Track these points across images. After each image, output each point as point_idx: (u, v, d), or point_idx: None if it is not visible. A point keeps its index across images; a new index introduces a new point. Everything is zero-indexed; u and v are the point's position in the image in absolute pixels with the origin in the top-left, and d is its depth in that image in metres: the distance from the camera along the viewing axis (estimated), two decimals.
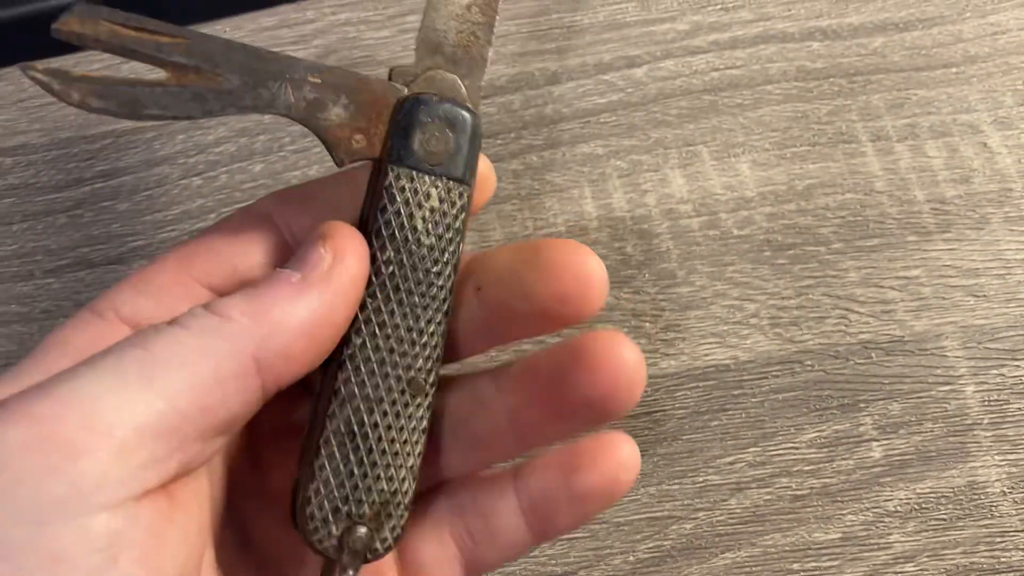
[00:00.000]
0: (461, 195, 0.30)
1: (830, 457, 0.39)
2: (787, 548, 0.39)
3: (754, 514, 0.39)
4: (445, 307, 0.30)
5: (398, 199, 0.29)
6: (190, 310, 0.27)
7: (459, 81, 0.31)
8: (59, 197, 0.43)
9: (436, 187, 0.30)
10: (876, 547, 0.38)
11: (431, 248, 0.30)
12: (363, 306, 0.29)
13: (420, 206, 0.29)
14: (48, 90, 0.27)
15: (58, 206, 0.43)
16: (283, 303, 0.27)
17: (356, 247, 0.28)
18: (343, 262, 0.28)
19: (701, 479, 0.39)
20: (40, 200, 0.44)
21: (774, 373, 0.40)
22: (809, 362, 0.40)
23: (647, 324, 0.41)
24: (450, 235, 0.30)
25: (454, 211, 0.30)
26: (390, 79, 0.31)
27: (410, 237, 0.29)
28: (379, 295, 0.29)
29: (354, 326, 0.29)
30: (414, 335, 0.29)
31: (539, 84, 0.45)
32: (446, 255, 0.30)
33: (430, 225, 0.30)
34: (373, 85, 0.30)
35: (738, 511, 0.39)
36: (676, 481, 0.39)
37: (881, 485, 0.39)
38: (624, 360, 0.29)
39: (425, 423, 0.30)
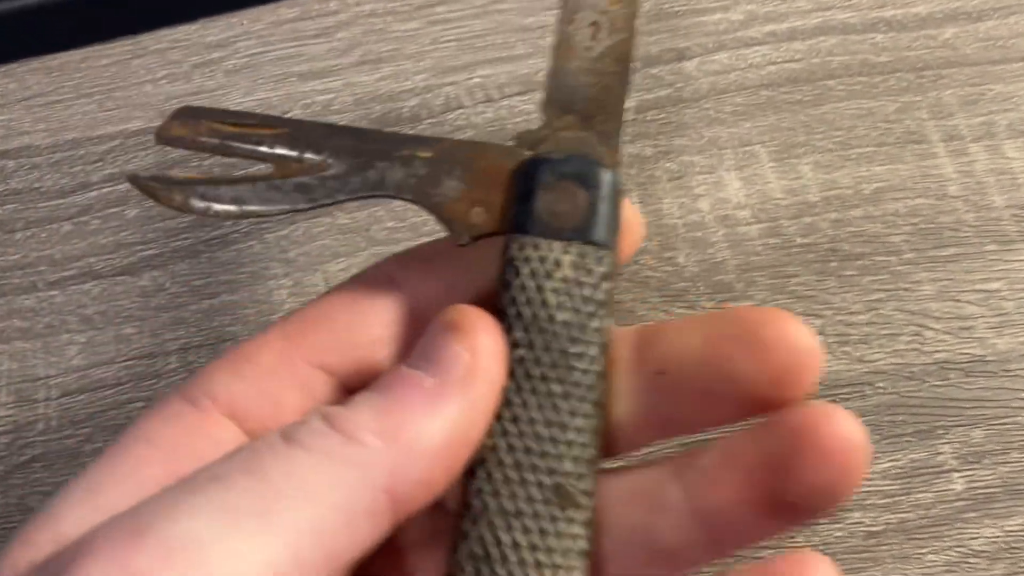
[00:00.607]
0: (600, 260, 0.25)
1: (906, 489, 0.36)
2: None
3: (824, 553, 0.35)
4: (593, 395, 0.25)
5: (523, 271, 0.25)
6: (308, 421, 0.23)
7: (593, 138, 0.27)
8: (64, 203, 0.40)
9: (567, 253, 0.25)
10: None
11: (567, 324, 0.25)
12: None
13: (549, 276, 0.25)
14: (153, 197, 0.26)
15: (63, 212, 0.40)
16: (419, 417, 0.23)
17: (495, 342, 0.25)
18: (483, 361, 0.24)
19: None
20: (43, 206, 0.40)
21: (842, 396, 0.37)
22: (881, 384, 0.37)
23: None
24: (590, 308, 0.25)
25: (592, 280, 0.25)
26: (517, 142, 0.27)
27: (540, 313, 0.25)
28: (508, 382, 0.25)
29: None
30: (555, 431, 0.25)
31: None
32: (587, 332, 0.25)
33: (564, 298, 0.25)
34: (491, 152, 0.27)
35: (807, 550, 0.35)
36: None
37: (964, 521, 0.35)
38: (851, 437, 0.25)
39: (583, 542, 0.25)
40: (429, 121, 0.41)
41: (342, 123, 0.39)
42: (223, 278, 0.39)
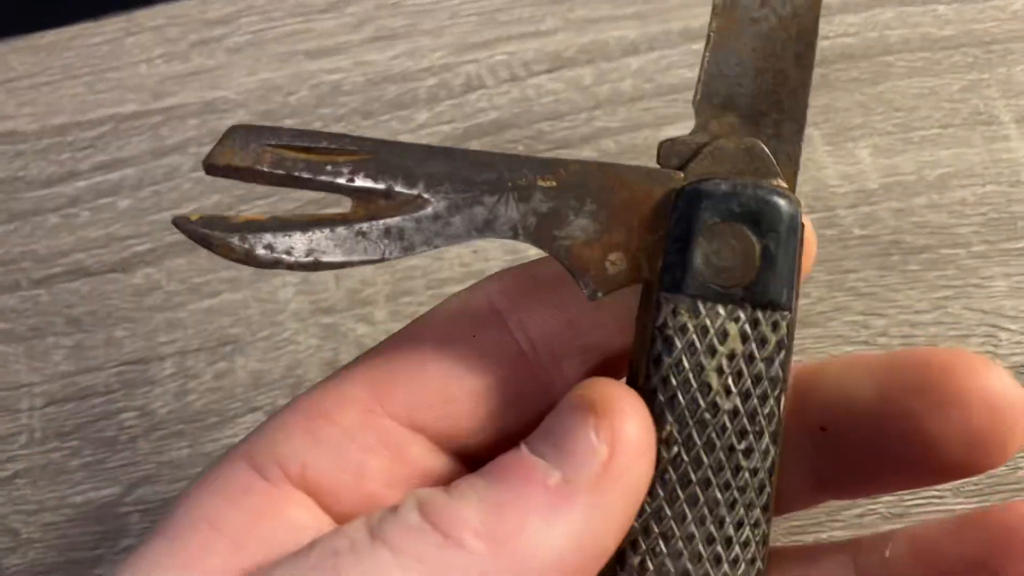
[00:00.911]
0: (776, 326, 0.20)
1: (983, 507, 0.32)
2: None
3: None
4: (764, 499, 0.21)
5: (677, 344, 0.20)
6: (401, 512, 0.19)
7: (764, 148, 0.22)
8: (50, 193, 0.37)
9: (736, 320, 0.20)
10: None
11: (735, 413, 0.20)
12: None
13: (713, 352, 0.20)
14: (206, 245, 0.21)
15: (49, 204, 0.37)
16: (537, 521, 0.19)
17: (642, 433, 0.20)
18: (624, 458, 0.19)
19: (825, 536, 0.32)
20: (29, 197, 0.37)
21: None
22: None
23: None
24: (763, 388, 0.20)
25: (767, 352, 0.20)
26: (659, 160, 0.22)
27: (701, 400, 0.20)
28: (659, 489, 0.20)
29: (627, 537, 0.21)
30: (718, 547, 0.20)
31: (615, 55, 0.38)
32: (760, 420, 0.20)
33: (730, 379, 0.20)
34: (631, 177, 0.21)
35: None
36: (795, 538, 0.32)
37: None
38: None
39: None
40: (448, 103, 0.37)
41: (350, 107, 0.36)
42: (223, 275, 0.35)
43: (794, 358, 0.33)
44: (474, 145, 0.36)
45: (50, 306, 0.36)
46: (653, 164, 0.22)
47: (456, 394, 0.22)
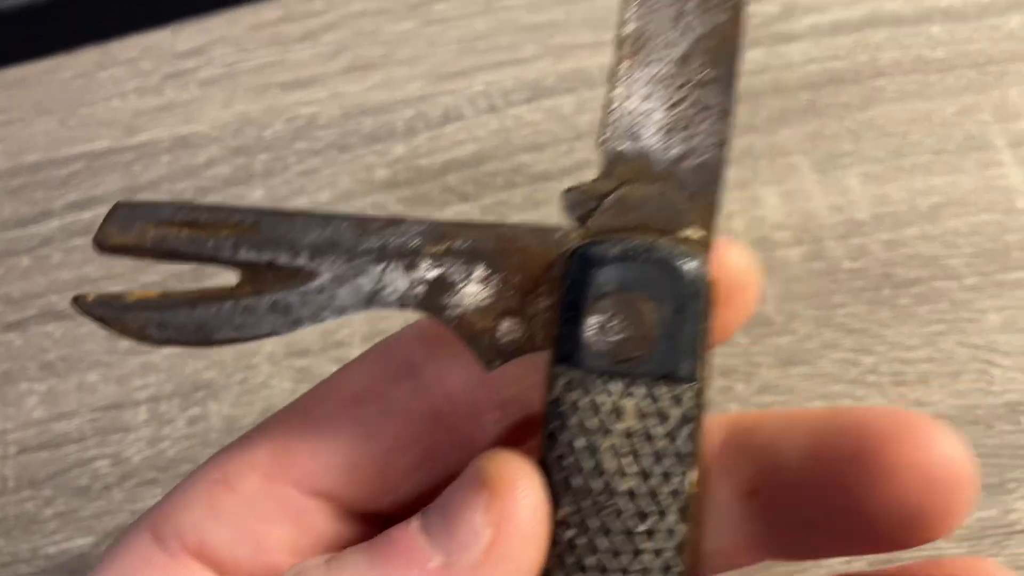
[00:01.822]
0: (679, 400, 0.19)
1: (974, 551, 0.31)
2: None
3: None
4: None
5: (570, 422, 0.19)
6: None
7: (676, 197, 0.20)
8: (23, 234, 0.36)
9: (632, 396, 0.19)
10: None
11: (632, 496, 0.19)
12: None
13: (607, 432, 0.19)
14: (103, 324, 0.21)
15: (22, 245, 0.36)
16: None
17: (532, 515, 0.19)
18: (510, 544, 0.18)
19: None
20: (0, 237, 0.36)
21: None
22: None
23: (739, 384, 0.33)
24: (665, 466, 0.19)
25: (668, 429, 0.19)
26: (563, 207, 0.20)
27: (594, 482, 0.19)
28: (557, 574, 0.19)
29: None
30: None
31: (597, 83, 0.37)
32: (662, 499, 0.19)
33: (625, 460, 0.19)
34: (523, 238, 0.20)
35: None
36: None
37: None
38: None
39: None
40: (426, 135, 0.36)
41: (326, 141, 0.35)
42: None
43: (780, 398, 0.32)
44: (452, 179, 0.36)
45: (23, 350, 0.35)
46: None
47: (361, 458, 0.21)
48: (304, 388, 0.33)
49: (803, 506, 0.20)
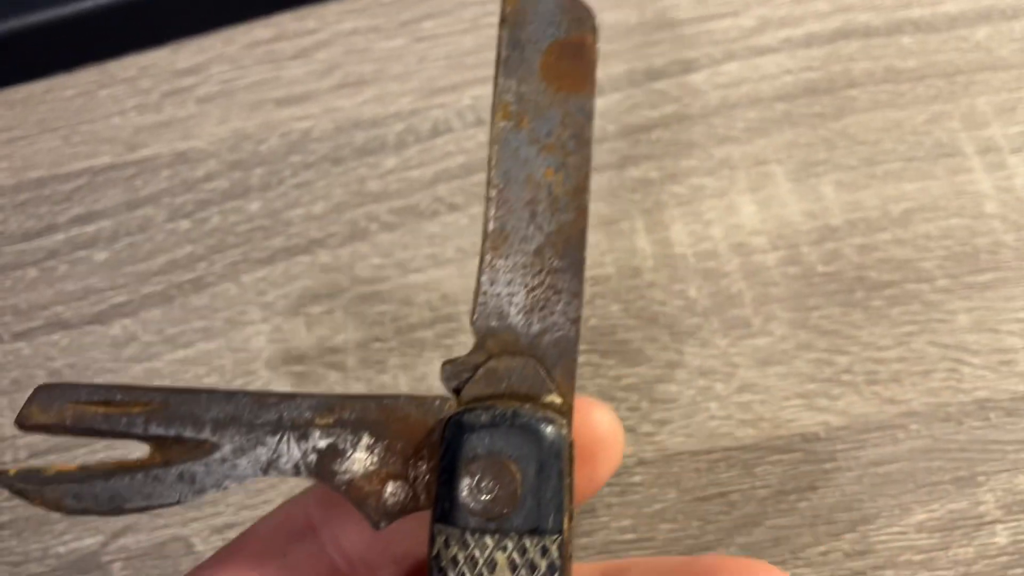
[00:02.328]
0: (546, 551, 0.21)
1: (945, 544, 0.32)
2: None
3: None
4: None
5: (450, 575, 0.21)
6: None
7: (536, 365, 0.22)
8: (29, 247, 0.38)
9: (504, 550, 0.21)
10: None
11: None
12: None
13: None
14: (24, 498, 0.22)
15: (28, 257, 0.37)
16: None
17: None
18: None
19: (789, 575, 0.32)
20: (7, 251, 0.38)
21: (873, 441, 0.33)
22: (914, 427, 0.33)
23: (718, 384, 0.34)
24: None
25: None
26: (442, 381, 0.23)
27: None
28: None
29: None
30: None
31: None
32: None
33: None
34: (404, 408, 0.22)
35: None
36: None
37: None
38: None
39: None
40: (416, 147, 0.38)
41: (319, 154, 0.36)
42: (197, 324, 0.36)
43: (758, 397, 0.34)
44: (442, 190, 0.37)
45: (31, 359, 0.36)
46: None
47: None
48: (301, 391, 0.35)
49: None
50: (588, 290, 0.35)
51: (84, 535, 0.34)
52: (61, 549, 0.34)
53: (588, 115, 0.24)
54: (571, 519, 0.21)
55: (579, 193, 0.23)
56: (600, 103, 0.38)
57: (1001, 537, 0.32)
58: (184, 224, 0.37)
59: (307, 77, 0.39)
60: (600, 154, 0.37)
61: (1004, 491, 0.33)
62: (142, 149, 0.38)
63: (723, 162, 0.37)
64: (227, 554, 0.23)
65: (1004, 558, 0.32)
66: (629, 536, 0.33)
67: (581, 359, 0.34)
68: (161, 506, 0.22)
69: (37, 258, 0.37)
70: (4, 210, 0.38)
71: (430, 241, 0.36)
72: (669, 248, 0.36)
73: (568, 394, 0.22)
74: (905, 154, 0.36)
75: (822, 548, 0.32)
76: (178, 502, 0.22)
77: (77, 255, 0.37)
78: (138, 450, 0.22)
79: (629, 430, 0.34)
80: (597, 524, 0.33)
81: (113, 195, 0.38)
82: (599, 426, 0.22)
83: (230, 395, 0.22)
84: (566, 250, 0.23)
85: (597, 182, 0.37)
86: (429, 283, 0.36)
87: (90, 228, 0.38)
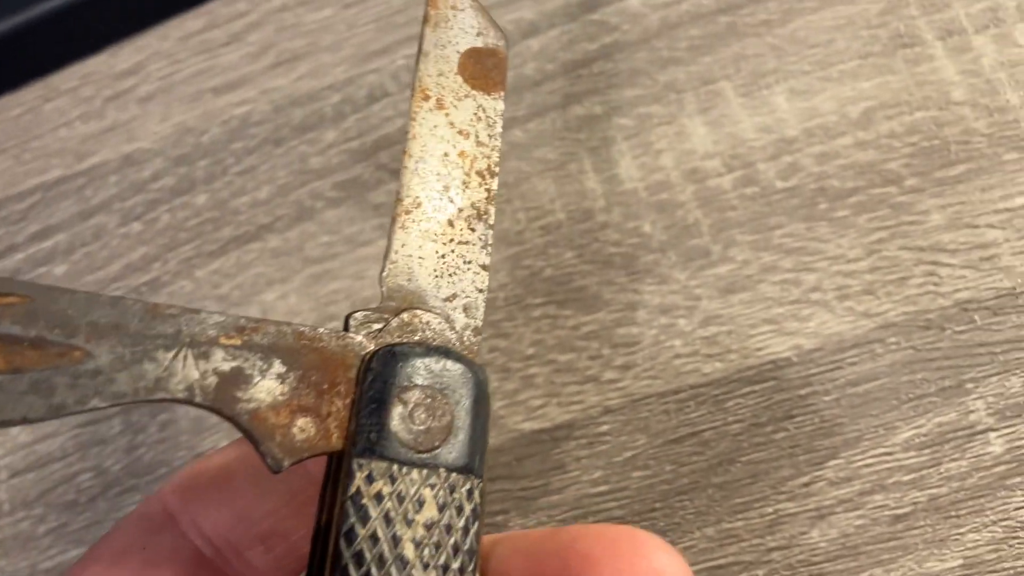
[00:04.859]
0: (471, 494, 0.20)
1: (935, 460, 0.30)
2: None
3: (844, 546, 0.30)
4: None
5: (372, 514, 0.19)
6: None
7: (446, 323, 0.22)
8: None
9: (432, 487, 0.19)
10: (1011, 572, 0.30)
11: None
12: None
13: (410, 522, 0.19)
14: None
15: None
16: None
17: None
18: None
19: (771, 510, 0.31)
20: None
21: (849, 360, 0.31)
22: (893, 339, 0.31)
23: (680, 320, 0.32)
24: (460, 561, 0.19)
25: (463, 522, 0.19)
26: (346, 328, 0.21)
27: (396, 574, 0.19)
28: None
29: None
30: None
31: (514, 39, 0.36)
32: None
33: (427, 551, 0.19)
34: (324, 338, 0.20)
35: (823, 545, 0.30)
36: (739, 516, 0.31)
37: (1008, 489, 0.30)
38: None
39: None
40: (354, 117, 0.37)
41: (260, 138, 0.36)
42: None
43: (724, 328, 0.32)
44: (384, 157, 0.36)
45: None
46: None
47: None
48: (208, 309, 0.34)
49: None
50: (541, 239, 0.34)
51: (68, 548, 0.34)
52: (47, 564, 0.34)
53: (499, 114, 0.24)
54: (485, 473, 0.20)
55: (489, 176, 0.24)
56: (537, 43, 0.36)
57: (996, 446, 0.30)
58: (136, 227, 0.37)
59: (241, 61, 0.38)
60: (542, 96, 0.36)
61: (995, 396, 0.30)
62: (90, 158, 0.38)
63: (669, 86, 0.35)
64: (90, 558, 0.23)
65: (1001, 468, 0.30)
66: (602, 488, 0.31)
67: (538, 312, 0.33)
68: (5, 424, 0.18)
69: None
70: None
71: (376, 211, 0.35)
72: (619, 185, 0.34)
73: (475, 355, 0.22)
74: (860, 51, 0.34)
75: (804, 479, 0.31)
76: (24, 420, 0.18)
77: (38, 272, 0.37)
78: None
79: (592, 379, 0.32)
80: (567, 479, 0.32)
81: (66, 207, 0.38)
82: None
83: (118, 300, 0.19)
84: (475, 225, 0.23)
85: (540, 126, 0.35)
86: (379, 255, 0.35)
87: (47, 243, 0.38)
